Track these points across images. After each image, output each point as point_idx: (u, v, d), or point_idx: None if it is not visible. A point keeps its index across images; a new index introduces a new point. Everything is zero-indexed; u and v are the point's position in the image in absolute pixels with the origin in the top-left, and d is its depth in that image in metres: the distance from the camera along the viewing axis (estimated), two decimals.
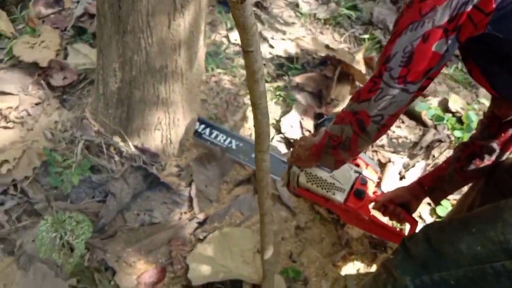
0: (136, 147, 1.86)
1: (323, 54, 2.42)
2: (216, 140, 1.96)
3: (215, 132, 1.98)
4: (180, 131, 1.89)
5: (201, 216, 1.84)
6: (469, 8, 0.94)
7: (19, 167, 1.89)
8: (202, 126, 1.98)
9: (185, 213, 1.87)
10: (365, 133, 1.13)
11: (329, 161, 1.33)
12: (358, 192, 1.60)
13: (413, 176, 2.08)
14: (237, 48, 2.61)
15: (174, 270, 1.74)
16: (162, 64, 1.61)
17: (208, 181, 1.92)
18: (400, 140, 2.35)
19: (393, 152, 2.27)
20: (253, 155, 1.92)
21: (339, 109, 2.40)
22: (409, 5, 1.01)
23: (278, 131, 2.24)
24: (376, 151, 2.19)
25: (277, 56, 2.62)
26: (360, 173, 1.67)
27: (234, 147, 1.96)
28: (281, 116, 2.31)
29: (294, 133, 2.23)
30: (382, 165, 2.12)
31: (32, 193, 1.85)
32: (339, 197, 1.60)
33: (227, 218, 1.84)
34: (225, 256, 1.70)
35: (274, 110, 2.35)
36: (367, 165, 1.74)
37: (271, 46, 2.67)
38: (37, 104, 2.12)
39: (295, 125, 2.27)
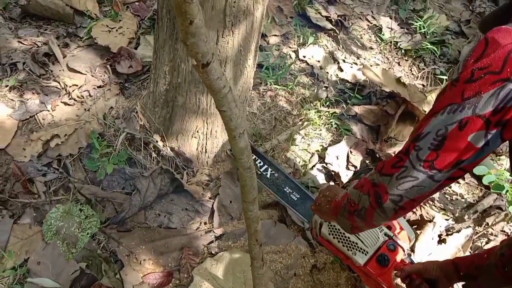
0: (172, 149, 1.89)
1: (387, 90, 2.27)
2: (260, 170, 1.90)
3: (260, 162, 1.92)
4: (217, 143, 1.88)
5: (218, 231, 1.83)
6: None
7: (67, 144, 2.01)
8: (254, 157, 1.94)
9: (205, 223, 1.87)
10: (381, 209, 1.02)
11: (345, 224, 1.22)
12: (382, 257, 1.48)
13: (455, 242, 1.89)
14: (304, 65, 2.54)
15: (180, 277, 1.75)
16: None
17: (233, 197, 1.90)
18: (454, 197, 2.15)
19: (442, 209, 2.07)
20: (285, 189, 1.86)
21: (395, 149, 2.25)
22: (453, 83, 0.88)
23: (322, 160, 2.15)
24: (420, 206, 2.02)
25: (342, 80, 2.51)
26: (390, 237, 1.54)
27: (268, 175, 1.89)
28: (329, 145, 2.22)
29: (339, 166, 2.13)
30: (423, 222, 1.95)
31: (72, 171, 1.96)
32: (360, 259, 1.50)
33: (242, 240, 1.81)
34: (228, 279, 1.68)
35: (324, 136, 2.26)
36: (401, 229, 1.60)
37: (340, 69, 2.56)
38: (99, 86, 2.23)
39: (342, 157, 2.16)
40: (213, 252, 1.80)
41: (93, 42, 2.40)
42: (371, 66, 2.57)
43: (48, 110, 2.14)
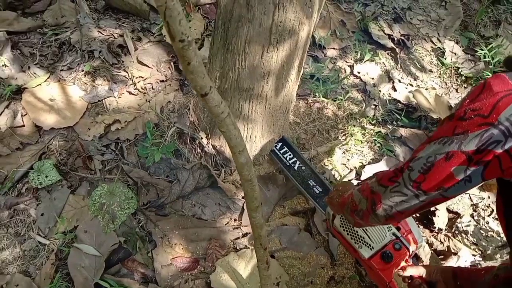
0: (214, 147, 2.04)
1: (435, 116, 2.25)
2: (289, 162, 2.02)
3: (290, 155, 2.03)
4: (255, 147, 2.00)
5: (245, 229, 1.96)
6: (499, 150, 0.86)
7: (126, 130, 2.23)
8: (281, 144, 2.05)
9: (234, 220, 2.00)
10: (374, 214, 1.15)
11: (349, 219, 1.35)
12: (386, 255, 1.59)
13: None
14: (357, 81, 2.58)
15: (205, 265, 1.90)
16: (250, 86, 1.73)
17: (264, 200, 2.01)
18: (489, 234, 2.10)
19: (474, 244, 2.04)
20: (309, 182, 1.96)
21: None
22: (449, 118, 0.98)
23: (359, 176, 2.20)
24: (449, 237, 2.00)
25: (394, 100, 2.52)
26: (397, 237, 1.63)
27: (296, 167, 2.01)
28: (368, 163, 2.25)
29: None
30: (448, 254, 1.94)
31: (127, 154, 2.18)
32: (365, 253, 1.62)
33: None
34: (246, 275, 1.80)
35: (365, 154, 2.30)
36: (409, 232, 1.66)
37: (394, 89, 2.57)
38: (161, 81, 2.44)
39: None
40: (237, 248, 1.93)
41: (162, 39, 2.62)
42: (426, 89, 2.55)
43: (115, 97, 2.38)
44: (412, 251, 1.67)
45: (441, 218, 1.98)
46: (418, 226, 2.06)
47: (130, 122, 2.26)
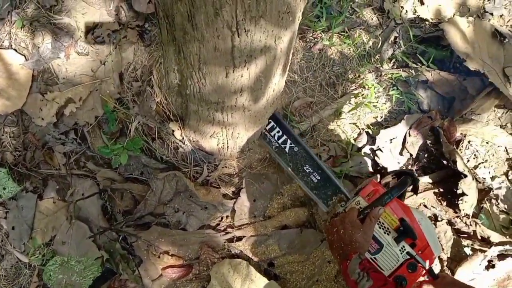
0: (190, 141, 1.64)
1: (472, 67, 1.68)
2: (278, 141, 1.65)
3: (280, 132, 1.66)
4: (240, 141, 1.59)
5: (238, 233, 1.71)
6: None
7: (83, 110, 1.82)
8: (272, 124, 1.65)
9: (227, 217, 1.74)
10: None
11: None
12: (399, 280, 1.34)
13: (506, 267, 1.65)
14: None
15: (199, 270, 1.72)
16: (218, 100, 1.25)
17: (258, 195, 1.71)
18: None
19: (504, 213, 1.76)
20: (305, 167, 1.63)
21: (466, 128, 1.82)
22: None
23: (373, 141, 1.80)
24: (476, 223, 1.70)
25: (420, 19, 1.91)
26: (412, 256, 1.36)
27: (287, 149, 1.64)
28: (384, 119, 1.83)
29: (390, 152, 1.79)
30: (475, 237, 1.68)
31: (91, 139, 1.82)
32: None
33: (263, 247, 1.68)
34: None
35: (380, 106, 1.85)
36: (426, 245, 1.39)
37: (421, 2, 1.93)
38: (114, 31, 1.88)
39: (397, 141, 1.79)
40: (232, 252, 1.72)
41: None
42: None
43: (62, 59, 1.88)
44: (428, 267, 1.41)
45: (468, 203, 1.66)
46: (441, 204, 1.76)
47: (86, 99, 1.83)
